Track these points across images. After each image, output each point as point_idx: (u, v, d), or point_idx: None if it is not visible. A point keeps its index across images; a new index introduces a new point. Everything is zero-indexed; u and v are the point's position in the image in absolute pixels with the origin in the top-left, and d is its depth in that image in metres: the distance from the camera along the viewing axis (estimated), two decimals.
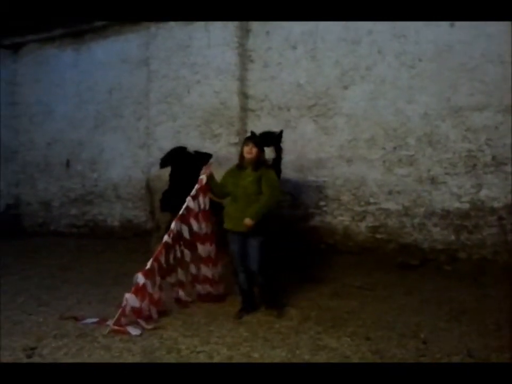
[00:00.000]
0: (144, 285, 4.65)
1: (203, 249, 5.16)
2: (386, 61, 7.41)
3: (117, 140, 9.90)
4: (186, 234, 5.08)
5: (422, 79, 7.18)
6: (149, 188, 6.92)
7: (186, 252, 5.14)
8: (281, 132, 5.55)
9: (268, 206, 4.69)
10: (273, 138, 5.48)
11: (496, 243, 6.69)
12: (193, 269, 5.22)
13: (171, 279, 5.10)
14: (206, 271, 5.21)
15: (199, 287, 5.28)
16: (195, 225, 5.07)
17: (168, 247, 4.95)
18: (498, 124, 6.71)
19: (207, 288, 5.26)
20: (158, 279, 4.85)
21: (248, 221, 4.60)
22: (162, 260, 4.89)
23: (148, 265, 4.75)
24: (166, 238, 4.94)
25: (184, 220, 5.06)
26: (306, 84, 7.96)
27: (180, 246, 5.08)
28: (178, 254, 5.08)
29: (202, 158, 6.21)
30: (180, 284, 5.19)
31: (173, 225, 5.01)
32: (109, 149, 10.00)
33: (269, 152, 5.06)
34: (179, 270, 5.16)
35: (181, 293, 5.18)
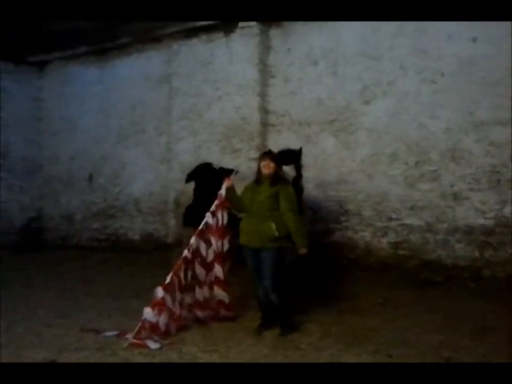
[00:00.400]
0: (163, 298, 4.64)
1: (220, 269, 5.10)
2: (408, 76, 7.37)
3: (138, 155, 10.00)
4: (203, 251, 5.06)
5: (444, 93, 7.11)
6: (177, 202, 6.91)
7: (201, 271, 5.08)
8: (300, 149, 5.45)
9: (299, 222, 4.71)
10: (292, 156, 5.40)
11: None
12: (206, 291, 5.13)
13: (188, 299, 5.01)
14: (218, 292, 5.13)
15: (210, 310, 5.19)
16: (214, 243, 5.04)
17: (187, 262, 4.93)
18: None
19: (221, 311, 5.18)
20: (178, 294, 4.82)
21: (303, 251, 4.69)
22: (182, 275, 4.86)
23: (168, 279, 4.74)
24: (185, 252, 4.93)
25: (202, 235, 5.05)
26: (327, 99, 7.95)
27: (198, 263, 5.05)
28: (197, 271, 5.04)
29: (227, 174, 6.19)
30: (198, 304, 5.08)
31: (192, 240, 5.00)
32: (131, 163, 10.11)
33: (289, 170, 5.01)
34: (197, 289, 5.07)
35: (199, 313, 5.09)
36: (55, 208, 11.11)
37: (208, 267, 5.10)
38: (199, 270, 5.07)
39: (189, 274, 4.95)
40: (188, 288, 4.97)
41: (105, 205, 10.45)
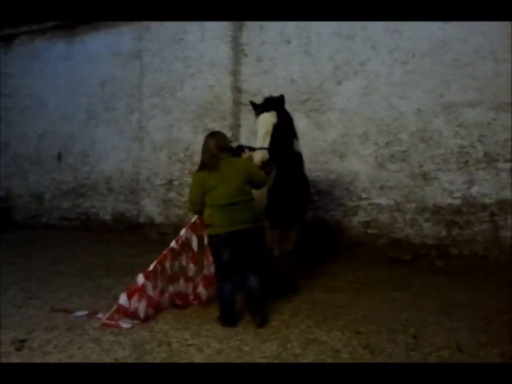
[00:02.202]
0: (143, 285, 4.56)
1: (209, 266, 5.00)
2: (380, 56, 7.41)
3: (109, 133, 9.86)
4: (195, 246, 4.94)
5: (415, 75, 7.19)
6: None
7: (191, 265, 4.97)
8: (282, 96, 5.28)
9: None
10: (273, 102, 5.18)
11: (487, 239, 6.73)
12: (191, 286, 5.01)
13: (172, 289, 4.87)
14: (201, 290, 5.03)
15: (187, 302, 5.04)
16: (206, 239, 4.85)
17: (174, 253, 4.80)
18: (491, 120, 6.74)
19: (194, 303, 5.05)
20: (159, 283, 4.73)
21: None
22: (167, 265, 4.76)
23: (151, 267, 4.66)
24: (172, 243, 4.82)
25: (195, 229, 4.91)
26: (300, 78, 7.94)
27: (188, 257, 4.92)
28: (184, 264, 4.89)
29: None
30: (179, 295, 4.94)
31: (182, 231, 4.88)
32: (101, 142, 9.97)
33: (270, 117, 4.86)
34: (181, 281, 4.91)
35: (178, 302, 4.94)
36: (24, 187, 10.90)
37: (200, 263, 5.00)
38: (189, 264, 4.94)
39: (176, 265, 4.81)
40: (172, 278, 4.87)
41: (75, 184, 10.31)
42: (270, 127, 4.77)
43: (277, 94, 7.45)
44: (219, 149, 4.44)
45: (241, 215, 4.40)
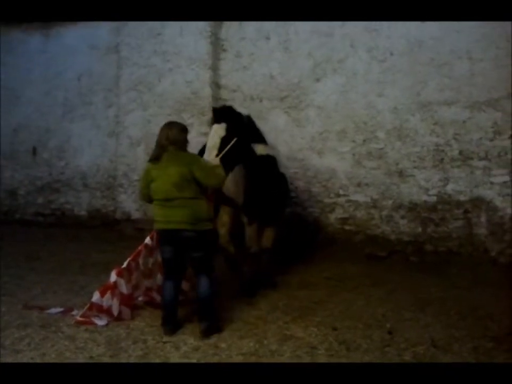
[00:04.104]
0: (115, 283, 4.49)
1: None
2: (358, 54, 7.46)
3: (85, 128, 9.72)
4: None
5: (392, 73, 7.26)
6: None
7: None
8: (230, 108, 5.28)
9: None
10: (225, 114, 5.16)
11: (461, 236, 6.84)
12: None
13: (148, 283, 4.78)
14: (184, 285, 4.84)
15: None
16: None
17: (148, 249, 4.69)
18: (466, 119, 6.84)
19: None
20: (134, 279, 4.66)
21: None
22: (141, 261, 4.70)
23: (124, 264, 4.59)
24: (147, 239, 4.75)
25: None
26: (279, 75, 7.95)
27: None
28: (159, 258, 4.68)
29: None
30: (156, 289, 4.79)
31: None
32: (77, 136, 9.81)
33: (219, 131, 4.84)
34: (158, 276, 4.77)
35: (156, 296, 4.81)
36: None
37: None
38: None
39: (150, 261, 4.73)
40: (147, 274, 4.79)
41: (50, 179, 10.12)
42: (217, 140, 4.77)
43: (256, 90, 7.46)
44: (169, 140, 4.17)
45: (177, 214, 4.09)
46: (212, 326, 4.11)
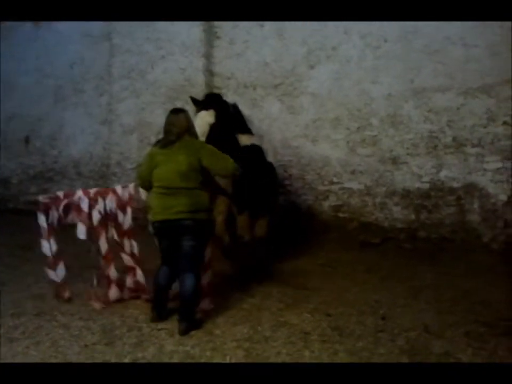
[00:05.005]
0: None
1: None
2: (352, 41, 7.42)
3: (78, 116, 9.64)
4: (122, 220, 4.76)
5: (386, 60, 7.22)
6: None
7: (126, 241, 4.78)
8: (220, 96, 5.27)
9: None
10: (214, 100, 5.14)
11: (454, 222, 6.86)
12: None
13: (129, 281, 4.74)
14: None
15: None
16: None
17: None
18: (460, 105, 6.83)
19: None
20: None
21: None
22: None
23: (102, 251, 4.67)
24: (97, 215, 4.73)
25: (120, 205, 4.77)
26: (273, 62, 7.90)
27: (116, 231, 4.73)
28: (115, 236, 4.71)
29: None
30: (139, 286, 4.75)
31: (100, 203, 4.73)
32: (70, 125, 9.74)
33: (208, 117, 4.79)
34: (137, 270, 4.74)
35: (144, 296, 4.67)
36: None
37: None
38: (124, 240, 4.77)
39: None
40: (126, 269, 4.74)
41: (43, 168, 10.07)
42: (206, 128, 4.74)
43: (250, 77, 7.42)
44: (185, 129, 4.15)
45: (179, 204, 3.97)
46: (191, 325, 3.96)
